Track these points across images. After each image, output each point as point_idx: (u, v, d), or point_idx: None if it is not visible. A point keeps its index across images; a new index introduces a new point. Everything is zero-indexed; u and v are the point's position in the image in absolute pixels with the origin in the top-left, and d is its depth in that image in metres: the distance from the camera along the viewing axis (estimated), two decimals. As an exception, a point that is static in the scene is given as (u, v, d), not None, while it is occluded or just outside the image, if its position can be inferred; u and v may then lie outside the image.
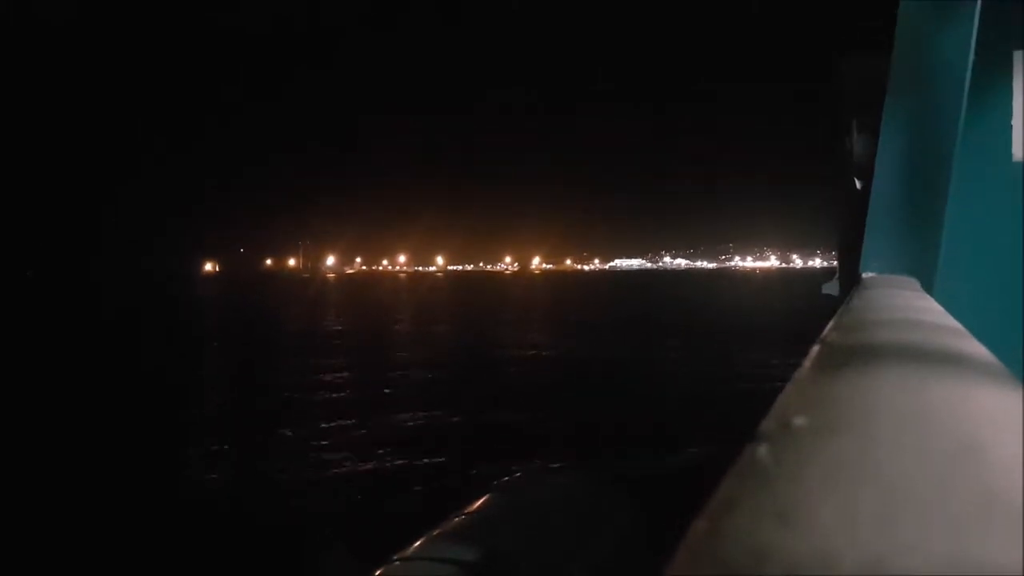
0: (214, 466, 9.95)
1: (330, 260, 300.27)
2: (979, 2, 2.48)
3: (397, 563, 3.11)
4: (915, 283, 2.28)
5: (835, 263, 4.53)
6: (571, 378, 17.01)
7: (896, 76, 2.59)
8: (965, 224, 2.62)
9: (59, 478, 8.83)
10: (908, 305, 1.47)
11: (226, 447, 11.03)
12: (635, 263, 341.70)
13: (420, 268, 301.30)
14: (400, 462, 9.68)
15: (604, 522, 3.60)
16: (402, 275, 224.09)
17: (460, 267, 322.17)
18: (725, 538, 0.31)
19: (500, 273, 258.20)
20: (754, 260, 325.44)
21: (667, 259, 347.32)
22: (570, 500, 3.88)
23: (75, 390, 15.04)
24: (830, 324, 1.13)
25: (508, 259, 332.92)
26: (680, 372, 17.52)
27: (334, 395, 15.05)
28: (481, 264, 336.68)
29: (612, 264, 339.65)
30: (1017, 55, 2.71)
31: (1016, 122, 2.72)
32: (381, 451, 10.22)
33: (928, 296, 2.00)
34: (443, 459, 9.80)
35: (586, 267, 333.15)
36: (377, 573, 3.06)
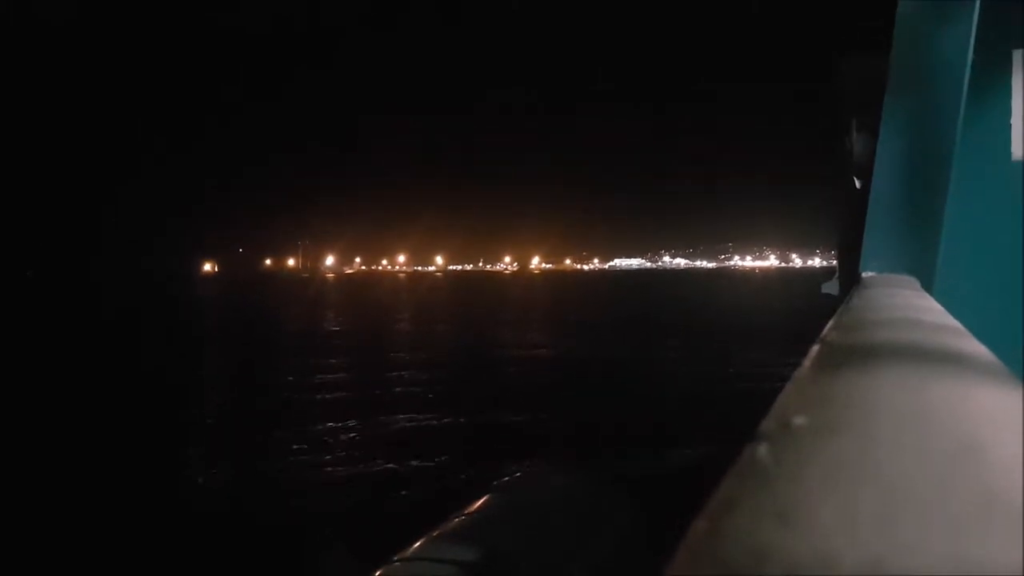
0: (214, 466, 9.95)
1: (329, 260, 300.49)
2: (978, 2, 2.48)
3: (397, 563, 3.12)
4: (915, 282, 2.28)
5: (835, 262, 4.54)
6: (571, 378, 16.99)
7: (895, 76, 2.59)
8: (965, 223, 2.63)
9: (59, 478, 8.83)
10: (908, 304, 1.47)
11: (226, 447, 11.04)
12: (635, 263, 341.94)
13: (420, 268, 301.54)
14: (400, 462, 9.67)
15: (604, 522, 3.60)
16: (402, 275, 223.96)
17: (460, 267, 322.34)
18: (725, 538, 0.31)
19: (500, 273, 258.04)
20: (754, 260, 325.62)
21: (667, 259, 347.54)
22: (570, 500, 3.88)
23: (75, 390, 15.04)
24: (830, 324, 1.13)
25: (508, 259, 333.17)
26: (680, 372, 17.51)
27: (334, 395, 15.03)
28: (481, 264, 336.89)
29: (612, 264, 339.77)
30: (1016, 54, 2.71)
31: (1015, 121, 2.72)
32: (381, 451, 10.21)
33: (928, 296, 2.01)
34: (443, 459, 9.79)
35: (586, 267, 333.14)
36: (377, 573, 3.06)
